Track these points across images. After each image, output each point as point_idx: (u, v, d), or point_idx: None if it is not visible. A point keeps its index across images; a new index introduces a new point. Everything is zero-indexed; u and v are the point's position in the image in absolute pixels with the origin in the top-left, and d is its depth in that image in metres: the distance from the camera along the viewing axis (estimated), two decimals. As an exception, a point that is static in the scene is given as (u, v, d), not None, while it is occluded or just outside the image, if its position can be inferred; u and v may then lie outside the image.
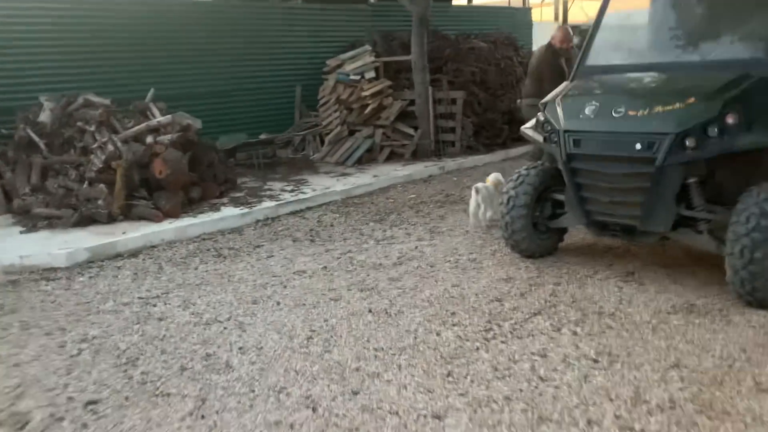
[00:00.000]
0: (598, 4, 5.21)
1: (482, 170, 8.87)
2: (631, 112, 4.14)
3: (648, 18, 5.03)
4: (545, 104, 4.75)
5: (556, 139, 4.51)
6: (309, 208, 7.18)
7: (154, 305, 4.51)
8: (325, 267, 5.18)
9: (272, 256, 5.57)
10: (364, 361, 3.51)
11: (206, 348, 3.79)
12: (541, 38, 17.93)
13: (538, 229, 4.97)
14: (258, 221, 6.73)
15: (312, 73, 10.72)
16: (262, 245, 5.91)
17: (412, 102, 9.60)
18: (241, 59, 10.32)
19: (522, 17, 15.82)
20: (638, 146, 4.04)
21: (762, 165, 4.03)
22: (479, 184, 5.94)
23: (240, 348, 3.76)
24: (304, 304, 4.39)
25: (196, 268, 5.30)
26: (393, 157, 9.43)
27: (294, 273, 5.07)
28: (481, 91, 9.94)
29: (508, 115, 10.18)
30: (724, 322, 3.79)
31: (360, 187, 7.81)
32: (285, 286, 4.77)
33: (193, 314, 4.32)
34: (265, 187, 7.90)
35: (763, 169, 4.03)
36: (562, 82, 5.21)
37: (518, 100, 7.80)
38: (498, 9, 15.80)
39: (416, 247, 5.58)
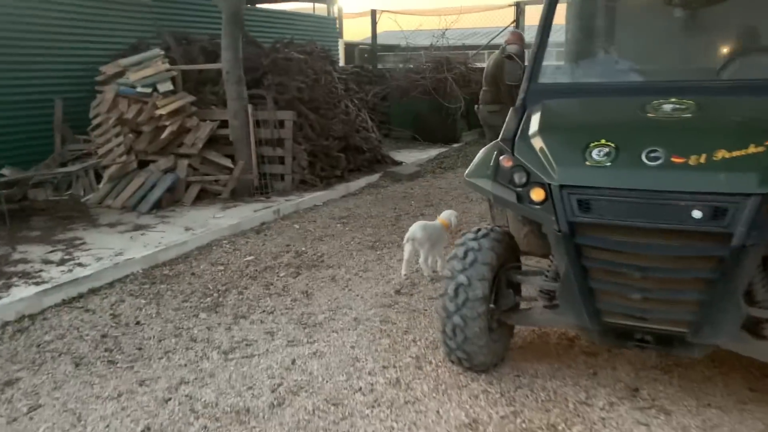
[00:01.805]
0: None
1: (326, 211, 7.00)
2: (676, 159, 2.60)
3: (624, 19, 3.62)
4: (510, 143, 3.04)
5: (542, 199, 2.83)
6: (94, 291, 4.64)
7: None
8: (148, 429, 2.90)
9: (40, 405, 3.12)
10: None
11: None
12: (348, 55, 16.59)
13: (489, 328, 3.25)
14: (6, 325, 4.07)
15: (77, 82, 8.06)
16: (18, 380, 3.38)
17: (224, 124, 7.37)
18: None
19: (329, 28, 14.28)
20: (697, 214, 2.52)
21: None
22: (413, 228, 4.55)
23: None
24: None
25: None
26: (204, 196, 7.09)
27: (90, 454, 2.73)
28: (310, 111, 8.04)
29: (343, 141, 8.44)
30: None
31: (169, 249, 5.41)
32: (75, 500, 2.44)
33: None
34: (15, 256, 5.13)
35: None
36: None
37: (476, 106, 7.18)
38: (305, 16, 14.04)
39: (293, 362, 3.52)
